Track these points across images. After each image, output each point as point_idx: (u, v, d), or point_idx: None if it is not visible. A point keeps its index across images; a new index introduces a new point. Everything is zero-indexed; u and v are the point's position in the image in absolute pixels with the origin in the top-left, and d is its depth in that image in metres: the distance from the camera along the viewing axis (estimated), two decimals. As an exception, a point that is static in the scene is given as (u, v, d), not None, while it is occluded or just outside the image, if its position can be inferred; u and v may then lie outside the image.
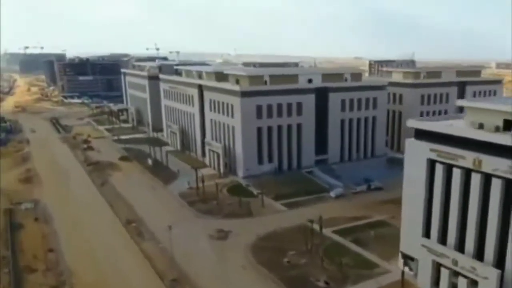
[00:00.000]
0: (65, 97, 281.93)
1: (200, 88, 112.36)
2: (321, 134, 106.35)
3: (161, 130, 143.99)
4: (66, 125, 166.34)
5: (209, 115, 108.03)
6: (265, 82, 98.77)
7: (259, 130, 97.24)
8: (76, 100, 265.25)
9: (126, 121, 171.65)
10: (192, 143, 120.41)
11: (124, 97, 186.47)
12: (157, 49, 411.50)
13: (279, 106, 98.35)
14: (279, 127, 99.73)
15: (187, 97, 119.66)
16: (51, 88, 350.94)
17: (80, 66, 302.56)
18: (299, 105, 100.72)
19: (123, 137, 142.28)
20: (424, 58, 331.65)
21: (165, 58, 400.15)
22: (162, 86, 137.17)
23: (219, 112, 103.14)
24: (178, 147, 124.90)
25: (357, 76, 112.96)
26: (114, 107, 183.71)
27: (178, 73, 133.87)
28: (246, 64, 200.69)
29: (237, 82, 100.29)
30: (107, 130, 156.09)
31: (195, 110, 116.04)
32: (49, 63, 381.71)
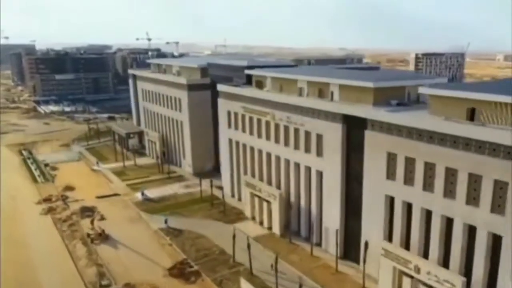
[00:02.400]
0: (38, 103, 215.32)
1: (351, 123, 52.54)
2: None
3: (206, 174, 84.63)
4: (45, 161, 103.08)
5: (389, 187, 48.31)
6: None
7: None
8: (53, 108, 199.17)
9: (140, 152, 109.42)
10: (315, 226, 60.34)
11: (134, 113, 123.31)
12: (149, 39, 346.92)
13: None
14: None
15: (308, 137, 59.24)
16: (19, 88, 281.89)
17: (57, 62, 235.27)
18: None
19: (149, 191, 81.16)
20: (419, 50, 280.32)
21: (158, 50, 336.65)
22: (227, 105, 76.30)
23: (449, 195, 43.64)
24: (275, 227, 64.57)
25: None
26: (120, 128, 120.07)
27: (257, 82, 73.22)
28: (297, 61, 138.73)
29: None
30: (116, 173, 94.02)
31: (331, 166, 55.96)
32: (16, 56, 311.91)
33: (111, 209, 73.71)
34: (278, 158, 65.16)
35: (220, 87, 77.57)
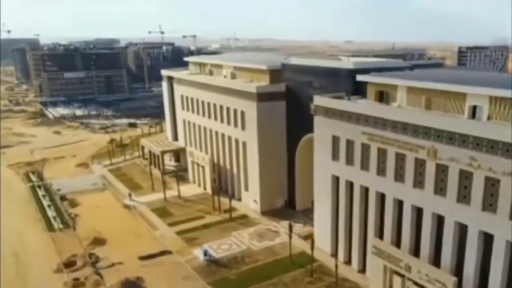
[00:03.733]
0: (45, 104, 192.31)
1: None
2: None
3: (277, 212, 61.97)
4: (60, 191, 79.59)
5: None
6: None
7: None
8: (63, 110, 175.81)
9: (179, 175, 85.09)
10: None
11: (169, 125, 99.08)
12: (162, 32, 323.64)
13: None
14: None
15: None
16: (24, 87, 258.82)
17: (66, 58, 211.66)
18: None
19: (212, 246, 57.62)
20: (429, 42, 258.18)
21: (172, 44, 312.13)
22: (332, 128, 51.99)
23: None
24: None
25: None
26: (152, 145, 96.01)
27: (378, 94, 49.16)
28: (358, 52, 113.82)
29: None
30: (158, 212, 70.37)
31: None
32: (19, 52, 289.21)
33: (166, 283, 49.97)
34: (438, 219, 41.26)
35: (320, 100, 53.40)
